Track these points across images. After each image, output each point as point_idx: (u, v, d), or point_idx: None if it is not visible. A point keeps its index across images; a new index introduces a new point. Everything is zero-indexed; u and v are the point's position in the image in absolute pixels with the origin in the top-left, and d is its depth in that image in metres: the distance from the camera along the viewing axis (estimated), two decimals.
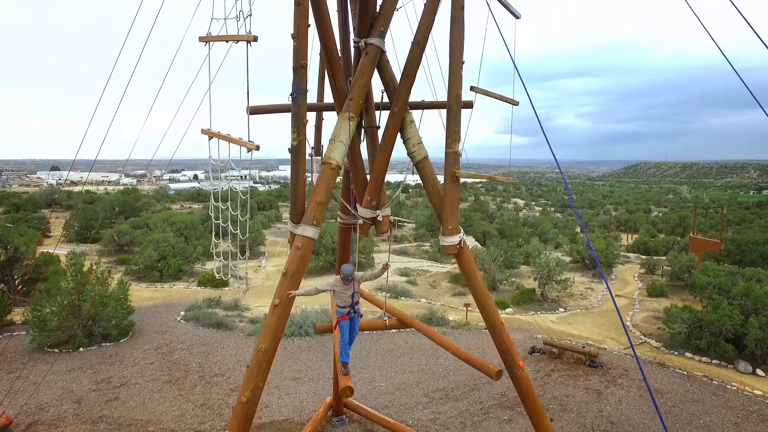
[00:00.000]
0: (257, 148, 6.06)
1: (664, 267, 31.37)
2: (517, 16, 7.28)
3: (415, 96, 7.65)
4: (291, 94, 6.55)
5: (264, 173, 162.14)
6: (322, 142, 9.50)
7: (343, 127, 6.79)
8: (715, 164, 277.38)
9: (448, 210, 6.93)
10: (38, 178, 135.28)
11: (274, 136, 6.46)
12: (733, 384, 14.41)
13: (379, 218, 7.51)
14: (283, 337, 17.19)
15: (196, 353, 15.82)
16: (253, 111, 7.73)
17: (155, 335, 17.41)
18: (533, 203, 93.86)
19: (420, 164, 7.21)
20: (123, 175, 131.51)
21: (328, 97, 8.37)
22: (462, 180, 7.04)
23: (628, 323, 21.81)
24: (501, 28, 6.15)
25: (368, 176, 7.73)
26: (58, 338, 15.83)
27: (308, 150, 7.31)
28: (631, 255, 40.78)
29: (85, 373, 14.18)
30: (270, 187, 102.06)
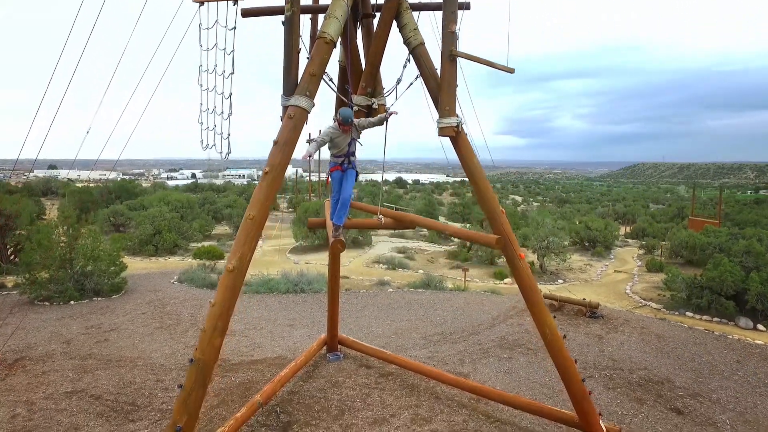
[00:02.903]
0: None
1: (663, 247, 31.23)
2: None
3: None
4: None
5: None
6: None
7: (338, 5, 6.59)
8: (712, 165, 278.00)
9: (445, 91, 6.72)
10: (35, 176, 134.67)
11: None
12: (734, 335, 14.20)
13: (375, 106, 7.31)
14: (279, 293, 16.94)
15: (188, 306, 15.55)
16: (245, 13, 7.56)
17: (148, 293, 17.12)
18: (531, 200, 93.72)
19: (416, 50, 7.01)
20: (121, 174, 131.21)
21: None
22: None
23: (627, 292, 21.62)
24: None
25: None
26: (48, 291, 15.55)
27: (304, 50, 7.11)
28: (630, 240, 40.68)
29: (75, 321, 13.89)
30: None
